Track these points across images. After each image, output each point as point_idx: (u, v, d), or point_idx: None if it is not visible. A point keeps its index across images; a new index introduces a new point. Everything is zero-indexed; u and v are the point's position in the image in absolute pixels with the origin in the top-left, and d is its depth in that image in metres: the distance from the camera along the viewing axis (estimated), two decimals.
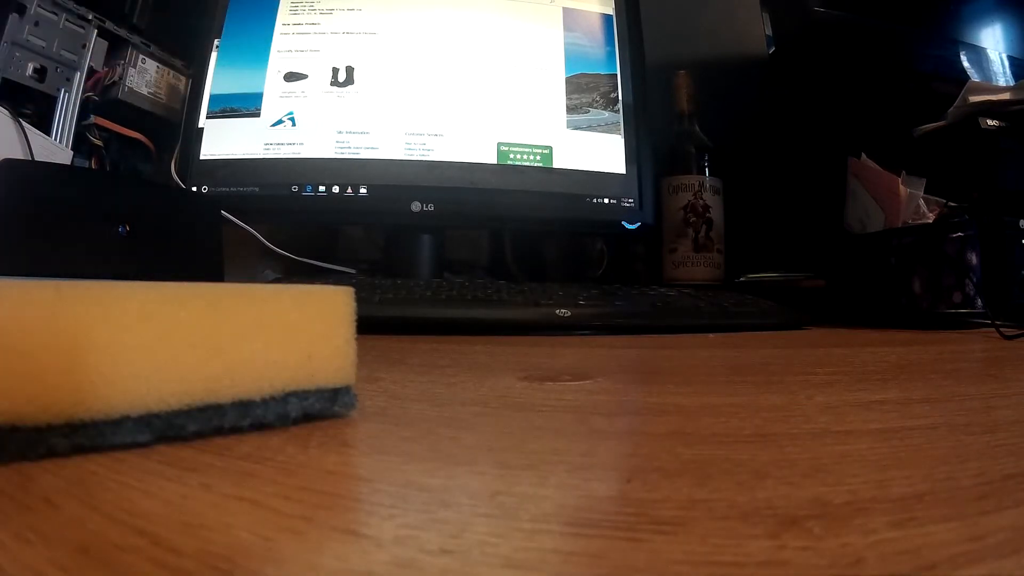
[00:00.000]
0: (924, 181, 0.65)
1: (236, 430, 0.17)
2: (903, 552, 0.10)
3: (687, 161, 0.78)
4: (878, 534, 0.11)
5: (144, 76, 0.70)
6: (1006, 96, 0.66)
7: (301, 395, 0.18)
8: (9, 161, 0.44)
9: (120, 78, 0.67)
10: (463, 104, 0.70)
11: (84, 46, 0.63)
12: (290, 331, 0.18)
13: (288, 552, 0.10)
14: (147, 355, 0.15)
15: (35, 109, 0.59)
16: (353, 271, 0.78)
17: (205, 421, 0.16)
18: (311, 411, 0.18)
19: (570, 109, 0.73)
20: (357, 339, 0.20)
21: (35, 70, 0.59)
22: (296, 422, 0.18)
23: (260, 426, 0.17)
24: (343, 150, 0.67)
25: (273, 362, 0.17)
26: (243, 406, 0.17)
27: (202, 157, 0.66)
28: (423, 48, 0.71)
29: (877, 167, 0.68)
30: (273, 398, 0.17)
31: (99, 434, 0.14)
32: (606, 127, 0.74)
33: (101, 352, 0.14)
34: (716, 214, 0.77)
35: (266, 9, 0.70)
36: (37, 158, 0.55)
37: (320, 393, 0.19)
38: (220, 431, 0.17)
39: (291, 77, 0.68)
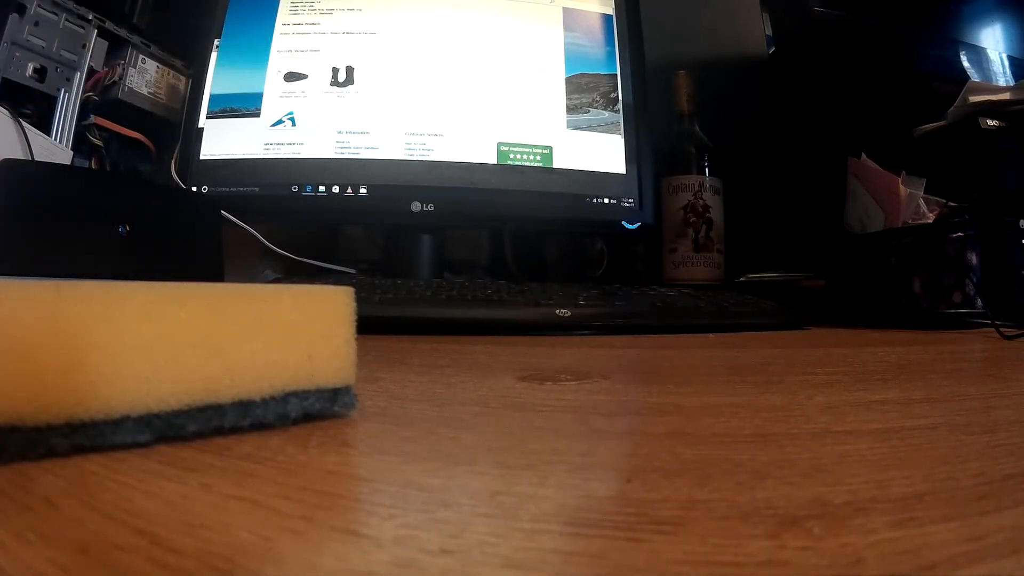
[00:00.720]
0: (924, 181, 0.65)
1: (236, 430, 0.17)
2: (903, 552, 0.10)
3: (687, 161, 0.78)
4: (878, 534, 0.11)
5: (144, 76, 0.70)
6: (1006, 96, 0.66)
7: (301, 395, 0.18)
8: (9, 161, 0.44)
9: (120, 78, 0.67)
10: (463, 104, 0.70)
11: (84, 46, 0.63)
12: (290, 331, 0.18)
13: (288, 552, 0.10)
14: (147, 355, 0.15)
15: (35, 109, 0.59)
16: (353, 271, 0.78)
17: (205, 421, 0.16)
18: (311, 411, 0.18)
19: (570, 109, 0.73)
20: (357, 339, 0.20)
21: (35, 70, 0.59)
22: (296, 422, 0.18)
23: (260, 426, 0.17)
24: (343, 150, 0.67)
25: (273, 362, 0.17)
26: (243, 406, 0.17)
27: (202, 157, 0.66)
28: (423, 48, 0.71)
29: (877, 167, 0.68)
30: (273, 398, 0.17)
31: (99, 434, 0.14)
32: (606, 127, 0.74)
33: (101, 352, 0.14)
34: (716, 214, 0.77)
35: (266, 9, 0.70)
36: (37, 158, 0.55)
37: (320, 393, 0.19)
38: (220, 431, 0.17)
39: (291, 77, 0.68)
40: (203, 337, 0.16)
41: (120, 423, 0.15)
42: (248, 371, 0.17)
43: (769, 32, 0.85)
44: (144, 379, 0.15)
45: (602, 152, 0.73)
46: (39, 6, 0.59)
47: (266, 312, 0.17)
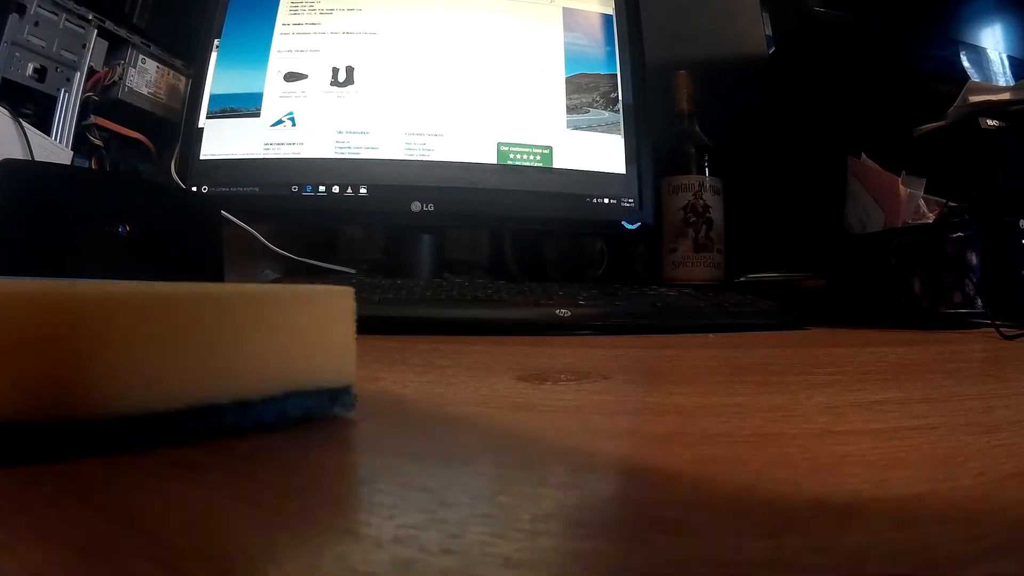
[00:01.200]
0: (924, 181, 0.65)
1: (236, 430, 0.17)
2: (903, 552, 0.10)
3: (687, 161, 0.78)
4: (878, 534, 0.11)
5: (144, 76, 0.70)
6: (1006, 96, 0.66)
7: (301, 395, 0.18)
8: (9, 161, 0.44)
9: (120, 78, 0.67)
10: (463, 104, 0.70)
11: (84, 46, 0.63)
12: (290, 331, 0.18)
13: (288, 552, 0.10)
14: (146, 355, 0.15)
15: (35, 109, 0.59)
16: (353, 271, 0.77)
17: (205, 421, 0.16)
18: (311, 411, 0.18)
19: (570, 109, 0.73)
20: (357, 339, 0.20)
21: (35, 70, 0.59)
22: (296, 422, 0.18)
23: (260, 426, 0.17)
24: (343, 150, 0.67)
25: (273, 362, 0.17)
26: (242, 407, 0.17)
27: (202, 157, 0.66)
28: (423, 48, 0.71)
29: (877, 167, 0.68)
30: (273, 398, 0.17)
31: (99, 434, 0.14)
32: (606, 127, 0.74)
33: (100, 352, 0.14)
34: (716, 214, 0.77)
35: (266, 9, 0.70)
36: (37, 158, 0.55)
37: (320, 394, 0.19)
38: (220, 431, 0.17)
39: (291, 77, 0.68)
40: (203, 337, 0.16)
41: (120, 423, 0.15)
42: (247, 371, 0.17)
43: (769, 32, 0.85)
44: (144, 379, 0.15)
45: (602, 152, 0.73)
46: (39, 6, 0.59)
47: (266, 312, 0.17)
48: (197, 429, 0.16)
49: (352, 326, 0.19)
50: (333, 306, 0.19)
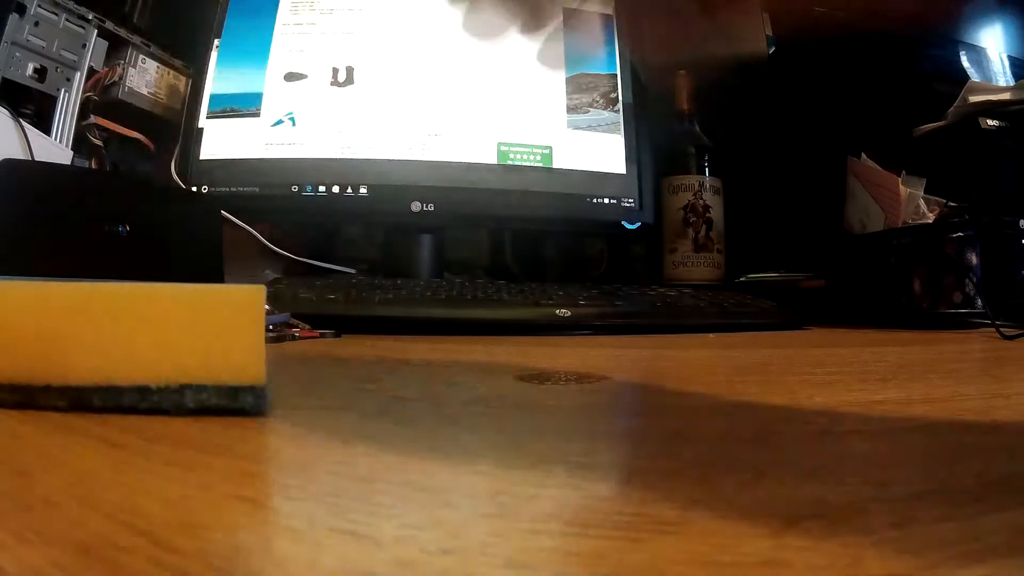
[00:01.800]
0: (924, 181, 0.65)
1: (138, 411, 0.19)
2: (903, 552, 0.10)
3: (687, 161, 0.78)
4: (878, 534, 0.11)
5: (144, 76, 0.70)
6: (1006, 96, 0.66)
7: (198, 388, 0.19)
8: (9, 161, 0.44)
9: (120, 78, 0.67)
10: (463, 104, 0.70)
11: (84, 46, 0.63)
12: (192, 328, 0.19)
13: (288, 552, 0.10)
14: (66, 339, 0.18)
15: (35, 109, 0.59)
16: (353, 271, 0.78)
17: (109, 398, 0.18)
18: (208, 404, 0.19)
19: (570, 109, 0.73)
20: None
21: (35, 70, 0.59)
22: (193, 413, 0.19)
23: (158, 412, 0.18)
24: (343, 150, 0.67)
25: (171, 355, 0.19)
26: (141, 391, 0.18)
27: (202, 157, 0.66)
28: (423, 48, 0.71)
29: (877, 167, 0.68)
30: (168, 387, 0.19)
31: (29, 397, 0.18)
32: (606, 127, 0.74)
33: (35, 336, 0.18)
34: (716, 214, 0.77)
35: (266, 9, 0.70)
36: (37, 158, 0.55)
37: (220, 388, 0.19)
38: (124, 409, 0.18)
39: (291, 77, 0.68)
40: (109, 328, 0.18)
41: (45, 390, 0.18)
42: (146, 361, 0.19)
43: (769, 32, 0.85)
44: (61, 358, 0.18)
45: (602, 152, 0.73)
46: (39, 6, 0.59)
47: (175, 309, 0.19)
48: (102, 404, 0.18)
49: (262, 325, 0.20)
50: (240, 306, 0.19)
